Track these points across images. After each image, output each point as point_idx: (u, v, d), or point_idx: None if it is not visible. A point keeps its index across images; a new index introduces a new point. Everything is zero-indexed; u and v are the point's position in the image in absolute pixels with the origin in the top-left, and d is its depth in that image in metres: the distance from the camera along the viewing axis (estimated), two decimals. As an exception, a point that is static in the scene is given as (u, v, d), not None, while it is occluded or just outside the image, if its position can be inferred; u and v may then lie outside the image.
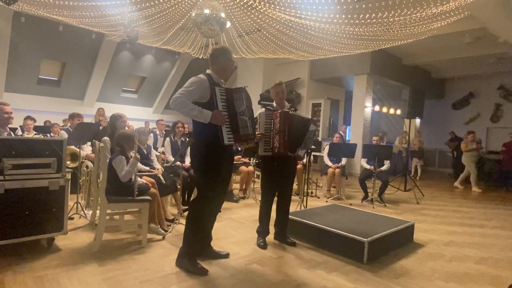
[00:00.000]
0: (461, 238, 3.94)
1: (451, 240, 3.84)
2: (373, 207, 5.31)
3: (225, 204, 4.99)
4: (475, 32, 7.61)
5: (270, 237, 3.43)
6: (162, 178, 3.89)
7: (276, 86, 3.38)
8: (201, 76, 2.62)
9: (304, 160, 5.05)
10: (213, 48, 2.78)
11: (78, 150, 4.42)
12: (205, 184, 2.63)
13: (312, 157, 6.05)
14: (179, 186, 4.16)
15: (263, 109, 3.31)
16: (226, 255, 2.93)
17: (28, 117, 5.80)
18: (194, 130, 2.70)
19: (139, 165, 3.82)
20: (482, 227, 4.56)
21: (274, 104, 3.38)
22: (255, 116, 3.31)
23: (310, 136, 3.31)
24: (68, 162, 4.59)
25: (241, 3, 5.89)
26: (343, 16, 5.89)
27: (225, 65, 2.73)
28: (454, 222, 4.76)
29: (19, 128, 5.44)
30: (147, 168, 4.02)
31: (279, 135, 3.11)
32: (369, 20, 5.82)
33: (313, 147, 5.24)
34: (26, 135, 5.05)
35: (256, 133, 3.12)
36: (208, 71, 2.72)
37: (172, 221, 3.85)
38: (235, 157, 5.83)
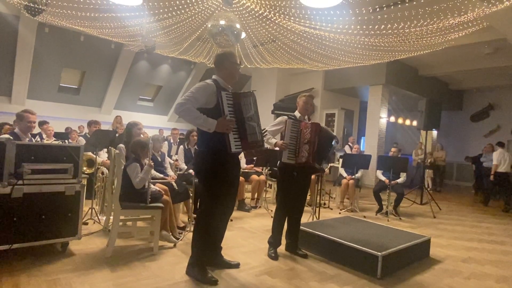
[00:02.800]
0: (480, 255, 3.79)
1: (469, 257, 3.70)
2: (388, 220, 5.19)
3: (237, 214, 4.99)
4: (495, 43, 7.46)
5: (281, 248, 3.39)
6: (175, 184, 3.92)
7: (308, 97, 3.38)
8: (208, 81, 2.59)
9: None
10: (217, 54, 2.74)
11: (94, 156, 4.51)
12: (209, 195, 2.59)
13: (327, 171, 5.99)
14: (191, 194, 4.19)
15: (285, 117, 3.28)
16: (237, 265, 2.91)
17: (45, 122, 5.98)
18: (199, 138, 2.65)
19: (153, 172, 3.87)
20: (503, 244, 4.38)
21: (298, 114, 3.38)
22: (276, 122, 3.31)
23: (333, 151, 3.33)
24: (84, 168, 4.70)
25: (257, 15, 5.98)
26: (358, 27, 5.89)
27: (231, 69, 2.68)
28: (473, 238, 4.60)
29: (38, 136, 5.62)
30: (161, 175, 4.07)
31: (308, 145, 3.12)
32: (384, 31, 5.79)
33: (331, 163, 5.23)
34: (45, 141, 5.21)
35: (282, 142, 3.12)
36: (214, 76, 2.68)
37: (183, 228, 3.86)
38: (248, 166, 5.84)
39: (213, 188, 2.58)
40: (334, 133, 10.45)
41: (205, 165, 2.58)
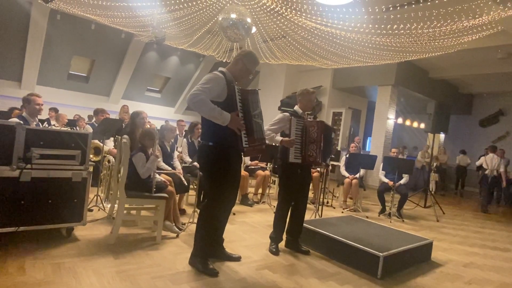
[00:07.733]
0: (482, 261, 3.78)
1: (471, 262, 3.69)
2: (391, 222, 5.17)
3: (239, 208, 5.01)
4: (508, 48, 7.35)
5: (283, 244, 3.40)
6: (183, 179, 4.02)
7: (312, 93, 3.39)
8: (217, 73, 2.54)
9: (321, 169, 5.01)
10: (242, 50, 2.73)
11: (101, 144, 4.55)
12: (213, 187, 2.61)
13: (330, 167, 5.97)
14: (195, 187, 4.22)
15: (286, 114, 3.27)
16: (238, 258, 2.93)
17: (54, 108, 6.03)
18: (203, 131, 2.62)
19: (160, 163, 3.91)
20: (506, 251, 4.35)
21: (299, 110, 3.35)
22: (278, 120, 3.30)
23: (333, 143, 3.35)
24: (91, 156, 4.74)
25: (268, 9, 5.94)
26: (370, 25, 5.83)
27: (241, 72, 2.66)
28: (475, 243, 4.57)
29: (46, 122, 5.68)
30: (168, 167, 4.10)
31: (315, 144, 3.13)
32: (396, 31, 5.73)
33: (332, 156, 5.21)
34: (55, 127, 5.26)
35: (289, 139, 3.09)
36: (222, 68, 2.65)
37: (183, 212, 3.96)
38: (253, 162, 5.85)
39: (217, 181, 2.60)
40: (339, 132, 10.49)
41: (209, 158, 2.59)
